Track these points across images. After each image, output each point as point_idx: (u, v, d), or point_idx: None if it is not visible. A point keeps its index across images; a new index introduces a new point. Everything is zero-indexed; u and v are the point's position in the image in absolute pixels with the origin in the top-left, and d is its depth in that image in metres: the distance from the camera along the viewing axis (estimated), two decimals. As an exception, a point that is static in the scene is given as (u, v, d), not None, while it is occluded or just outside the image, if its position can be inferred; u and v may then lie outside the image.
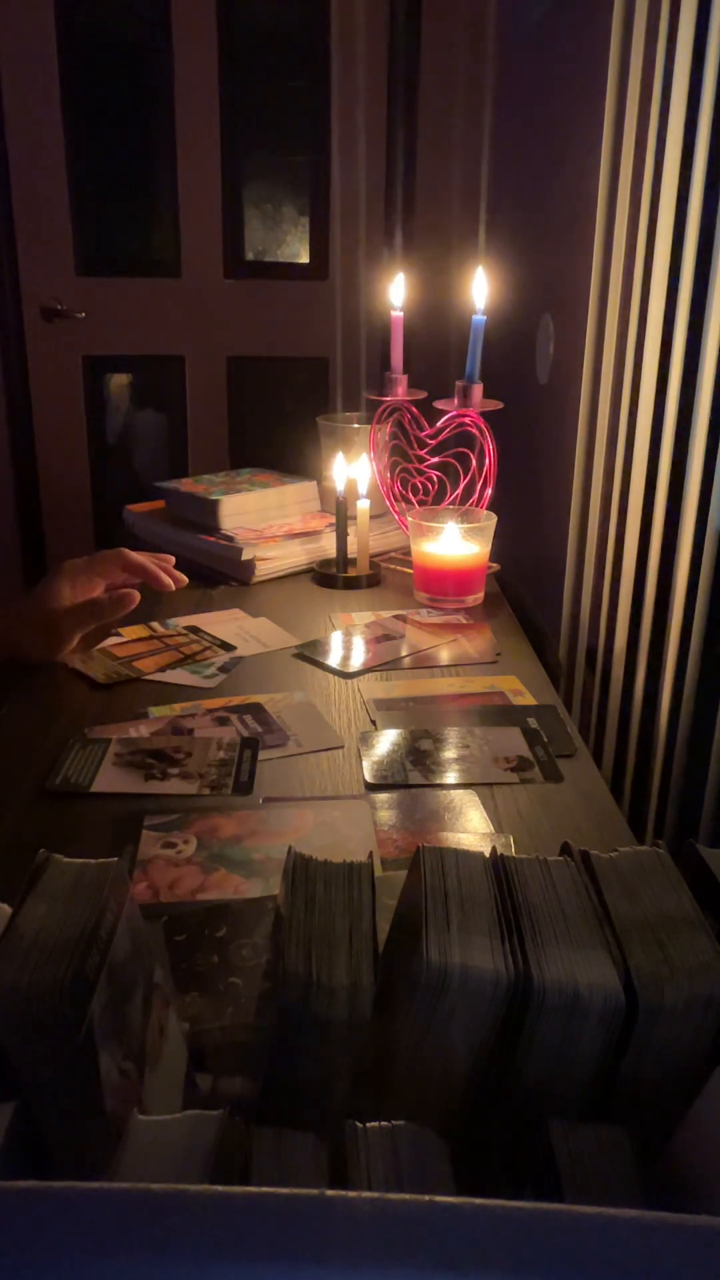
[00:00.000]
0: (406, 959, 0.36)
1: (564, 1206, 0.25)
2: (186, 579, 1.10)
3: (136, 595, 0.97)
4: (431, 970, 0.34)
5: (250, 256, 2.35)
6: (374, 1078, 0.37)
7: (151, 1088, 0.38)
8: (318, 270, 2.35)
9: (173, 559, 1.09)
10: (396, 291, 1.22)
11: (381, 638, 1.07)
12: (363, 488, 1.22)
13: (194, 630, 1.07)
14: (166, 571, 1.06)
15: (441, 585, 1.16)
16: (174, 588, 1.07)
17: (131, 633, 1.06)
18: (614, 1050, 0.36)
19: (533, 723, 0.87)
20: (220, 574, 1.24)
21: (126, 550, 1.02)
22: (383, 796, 0.76)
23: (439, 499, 1.27)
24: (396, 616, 1.13)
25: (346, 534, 1.23)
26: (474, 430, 1.19)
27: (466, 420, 1.18)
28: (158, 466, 2.49)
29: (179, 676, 0.97)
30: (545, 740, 0.84)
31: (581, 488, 1.29)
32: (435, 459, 1.25)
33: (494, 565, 1.23)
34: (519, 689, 0.95)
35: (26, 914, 0.36)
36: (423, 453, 1.26)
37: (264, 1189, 0.25)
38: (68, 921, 0.35)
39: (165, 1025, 0.42)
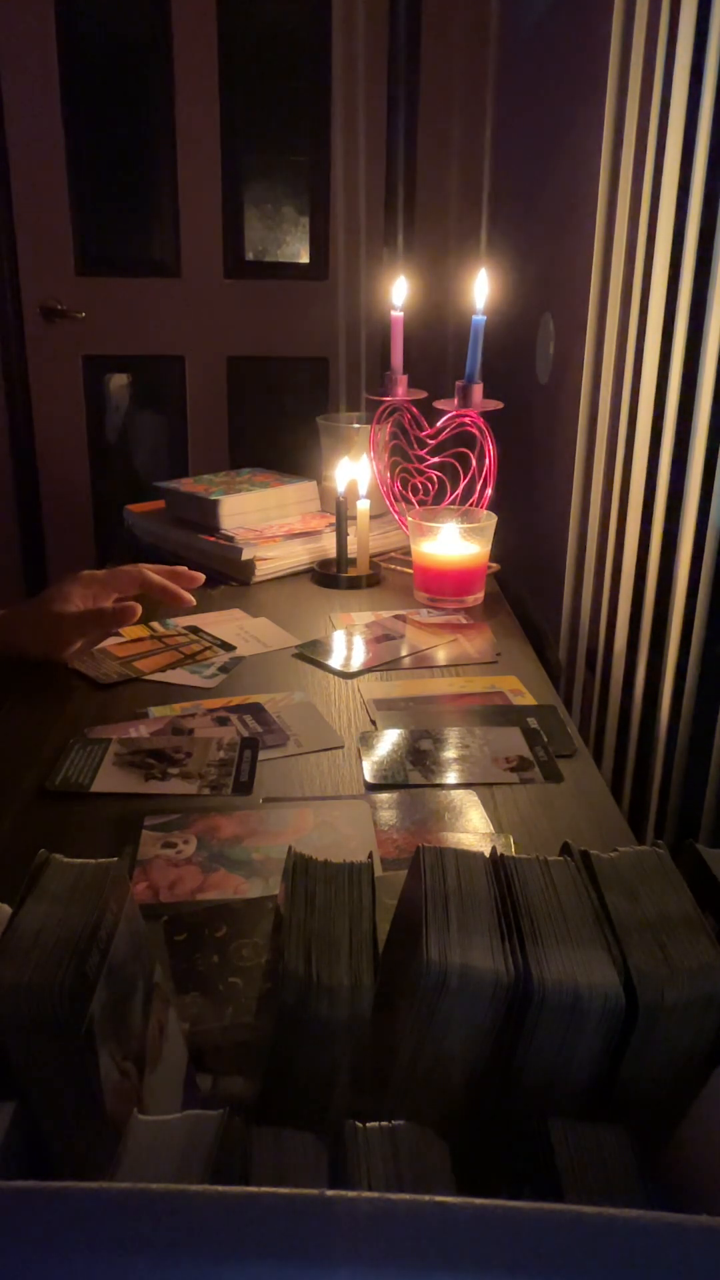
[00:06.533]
0: (406, 959, 0.36)
1: (564, 1206, 0.25)
2: (203, 577, 1.08)
3: (139, 609, 0.97)
4: (431, 970, 0.34)
5: (250, 256, 2.35)
6: (374, 1078, 0.37)
7: (151, 1088, 0.38)
8: (318, 270, 2.35)
9: (185, 569, 1.07)
10: (397, 292, 1.22)
11: (381, 638, 1.07)
12: (363, 488, 1.22)
13: (194, 630, 1.07)
14: (185, 576, 1.05)
15: (441, 585, 1.16)
16: (194, 602, 1.06)
17: (131, 633, 1.06)
18: (614, 1050, 0.36)
19: (533, 723, 0.87)
20: (220, 574, 1.24)
21: (146, 570, 1.01)
22: (383, 796, 0.76)
23: (439, 499, 1.27)
24: (396, 616, 1.13)
25: (346, 534, 1.23)
26: (474, 430, 1.19)
27: (466, 420, 1.18)
28: (158, 466, 2.49)
29: (179, 676, 0.97)
30: (545, 740, 0.84)
31: (581, 488, 1.29)
32: (435, 459, 1.25)
33: (494, 565, 1.23)
34: (519, 689, 0.95)
35: (26, 914, 0.36)
36: (423, 453, 1.26)
37: (264, 1189, 0.25)
38: (68, 921, 0.35)
39: (165, 1025, 0.42)
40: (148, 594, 1.01)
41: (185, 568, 1.06)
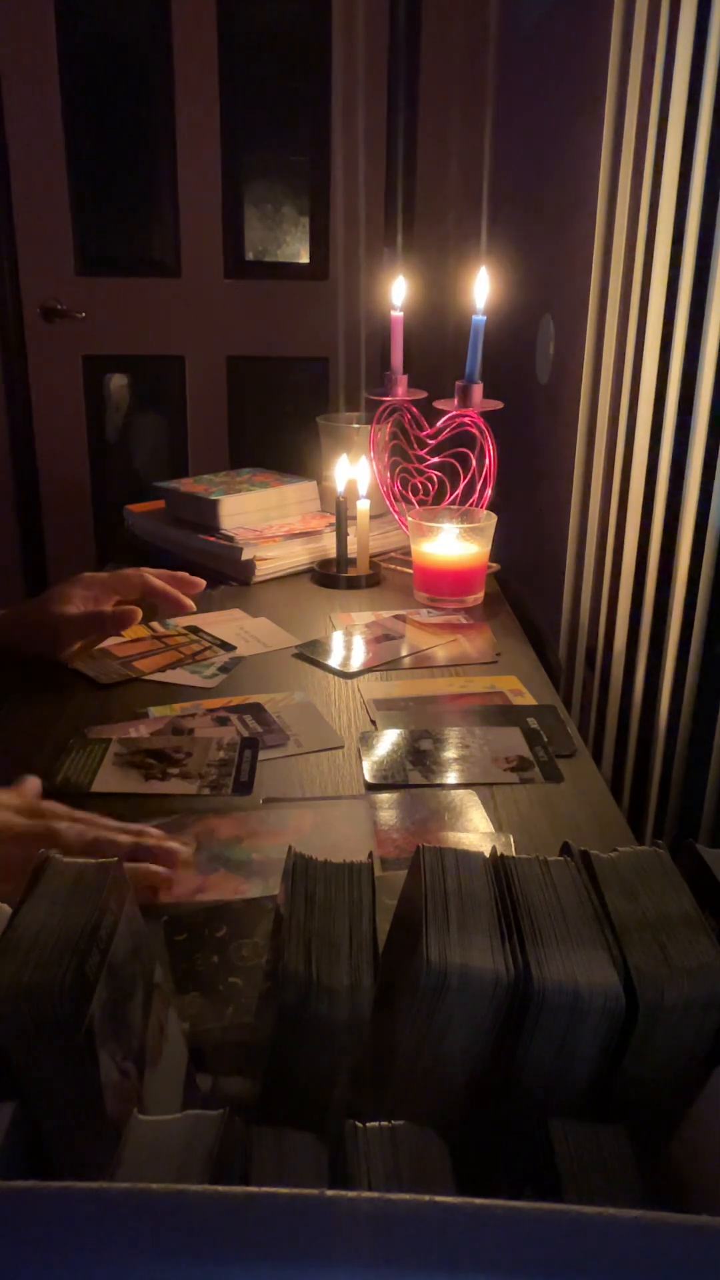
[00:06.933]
0: (406, 959, 0.36)
1: (564, 1206, 0.25)
2: (204, 583, 1.07)
3: (139, 613, 0.97)
4: (431, 970, 0.34)
5: (250, 256, 2.35)
6: (374, 1078, 0.37)
7: (151, 1088, 0.38)
8: (318, 270, 2.35)
9: (186, 575, 1.06)
10: (397, 292, 1.22)
11: (381, 638, 1.07)
12: (363, 488, 1.22)
13: (194, 630, 1.07)
14: (187, 582, 1.05)
15: (441, 585, 1.16)
16: (195, 608, 1.05)
17: (131, 633, 1.06)
18: (614, 1050, 0.36)
19: (533, 723, 0.87)
20: (220, 574, 1.24)
21: (149, 574, 1.01)
22: (383, 796, 0.76)
23: (439, 499, 1.27)
24: (396, 616, 1.13)
25: (346, 534, 1.24)
26: (474, 430, 1.19)
27: (466, 420, 1.18)
28: (158, 466, 2.49)
29: (179, 676, 0.97)
30: (545, 740, 0.84)
31: (581, 488, 1.29)
32: (435, 459, 1.25)
33: (494, 565, 1.23)
34: (519, 689, 0.95)
35: (26, 914, 0.36)
36: (423, 453, 1.26)
37: (264, 1189, 0.25)
38: (68, 921, 0.35)
39: (165, 1025, 0.42)
40: (148, 598, 1.01)
41: (186, 573, 1.06)
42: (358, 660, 1.01)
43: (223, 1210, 0.25)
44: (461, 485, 1.23)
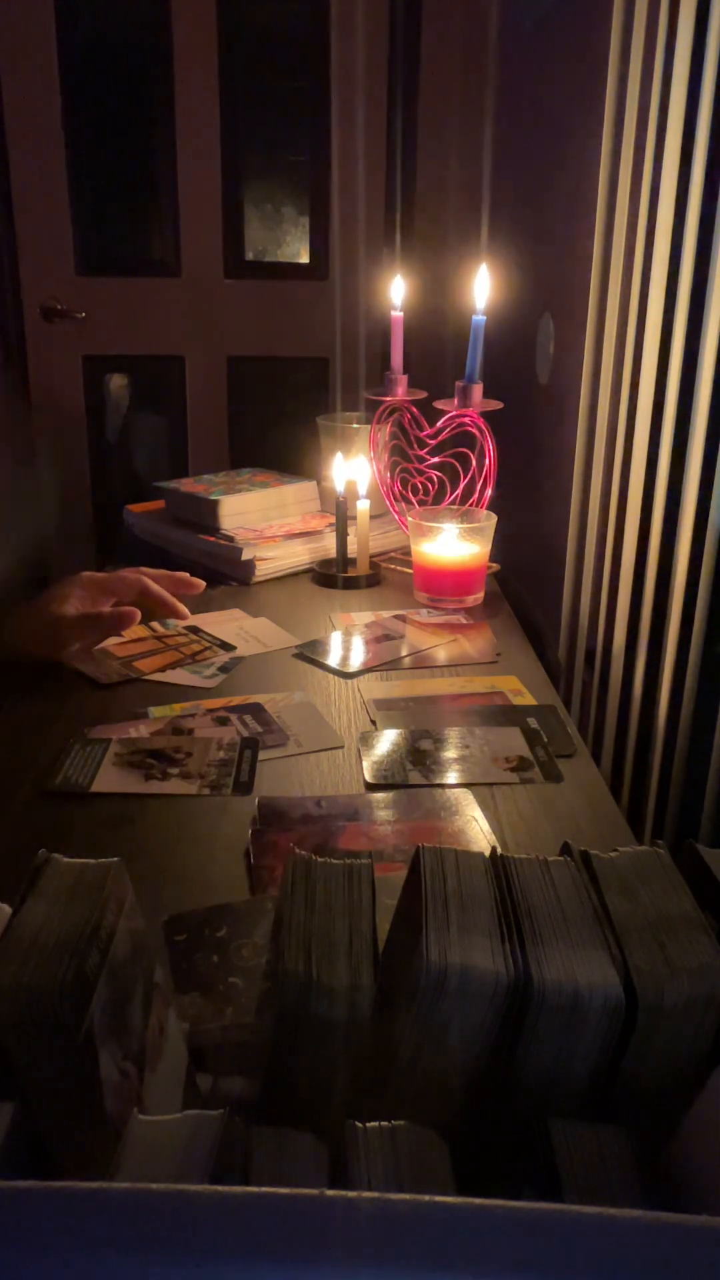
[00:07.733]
0: (406, 959, 0.36)
1: (564, 1206, 0.25)
2: (204, 584, 1.09)
3: (137, 614, 0.97)
4: (431, 970, 0.34)
5: (250, 256, 2.35)
6: (374, 1078, 0.37)
7: (151, 1088, 0.38)
8: (318, 270, 2.35)
9: (186, 575, 1.07)
10: (396, 292, 1.22)
11: (381, 638, 1.07)
12: (363, 488, 1.22)
13: (194, 630, 1.07)
14: (186, 583, 1.05)
15: (441, 585, 1.16)
16: (189, 615, 1.06)
17: (132, 633, 1.06)
18: (614, 1050, 0.36)
19: (533, 723, 0.87)
20: (220, 574, 1.24)
21: (147, 579, 1.01)
22: (382, 796, 0.76)
23: (439, 499, 1.27)
24: (396, 616, 1.13)
25: (346, 534, 1.24)
26: (474, 430, 1.19)
27: (466, 420, 1.18)
28: (158, 466, 2.49)
29: (179, 676, 0.97)
30: (545, 740, 0.84)
31: (581, 488, 1.29)
32: (435, 459, 1.25)
33: (494, 565, 1.23)
34: (519, 689, 0.95)
35: (26, 914, 0.36)
36: (423, 453, 1.26)
37: (264, 1189, 0.25)
38: (68, 921, 0.35)
39: (165, 1025, 0.42)
40: (145, 602, 1.01)
41: (186, 574, 1.06)
42: (357, 660, 1.01)
43: (223, 1210, 0.25)
44: (461, 485, 1.23)
